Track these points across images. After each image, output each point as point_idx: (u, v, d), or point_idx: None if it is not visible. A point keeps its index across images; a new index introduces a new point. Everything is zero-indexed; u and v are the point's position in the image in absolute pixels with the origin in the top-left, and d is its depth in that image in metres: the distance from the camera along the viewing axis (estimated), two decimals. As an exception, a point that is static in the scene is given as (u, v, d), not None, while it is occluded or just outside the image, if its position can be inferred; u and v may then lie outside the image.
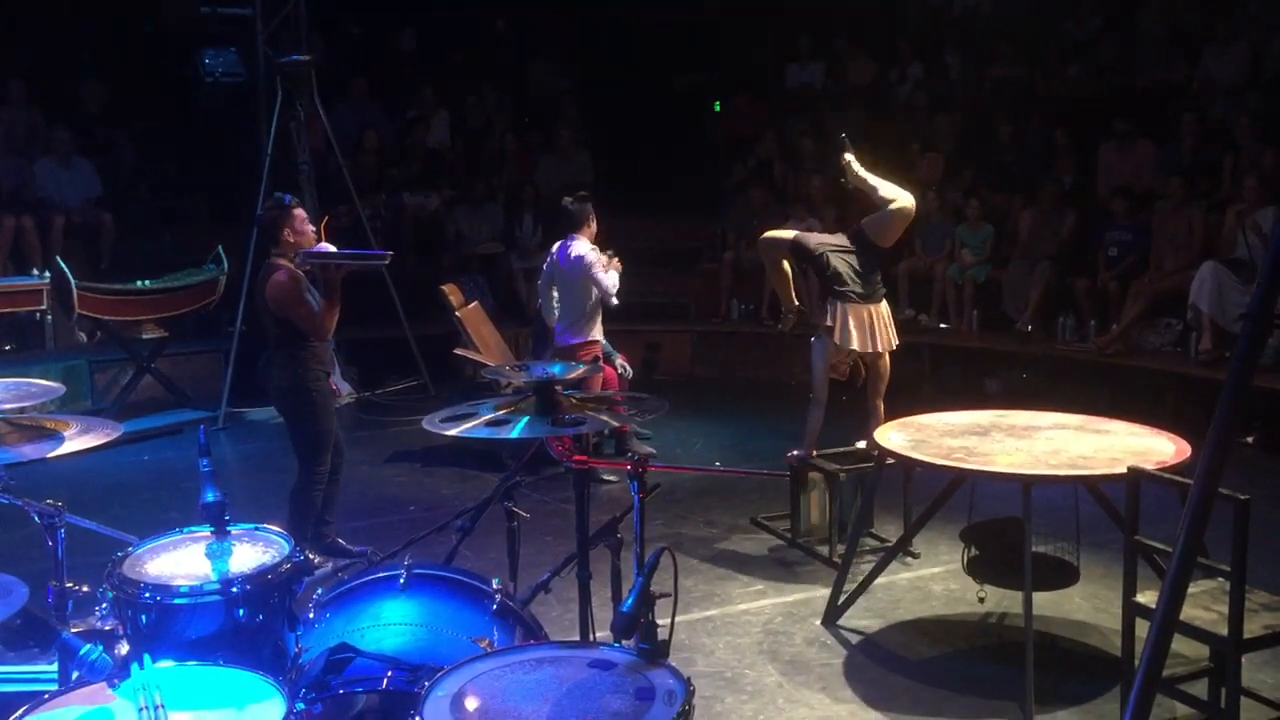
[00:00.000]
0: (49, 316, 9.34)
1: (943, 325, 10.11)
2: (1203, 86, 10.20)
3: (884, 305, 6.08)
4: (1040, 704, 4.20)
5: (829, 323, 5.98)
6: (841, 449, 6.18)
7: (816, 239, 6.16)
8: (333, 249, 5.60)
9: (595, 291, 7.06)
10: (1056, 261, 9.45)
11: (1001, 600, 5.06)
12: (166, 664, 2.54)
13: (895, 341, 6.10)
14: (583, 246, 7.11)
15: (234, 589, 2.92)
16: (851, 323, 5.94)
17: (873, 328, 5.98)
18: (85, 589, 3.16)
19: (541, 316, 7.54)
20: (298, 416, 5.66)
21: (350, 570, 5.23)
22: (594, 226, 7.22)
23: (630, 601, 2.56)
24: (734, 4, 13.00)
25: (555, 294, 7.26)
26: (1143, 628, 3.66)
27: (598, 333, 7.25)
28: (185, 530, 3.26)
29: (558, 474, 6.89)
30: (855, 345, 5.94)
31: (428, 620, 3.15)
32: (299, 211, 5.59)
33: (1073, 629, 4.96)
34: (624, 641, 2.60)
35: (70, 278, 8.41)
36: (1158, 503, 3.91)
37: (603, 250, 7.18)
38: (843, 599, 5.07)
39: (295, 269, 5.46)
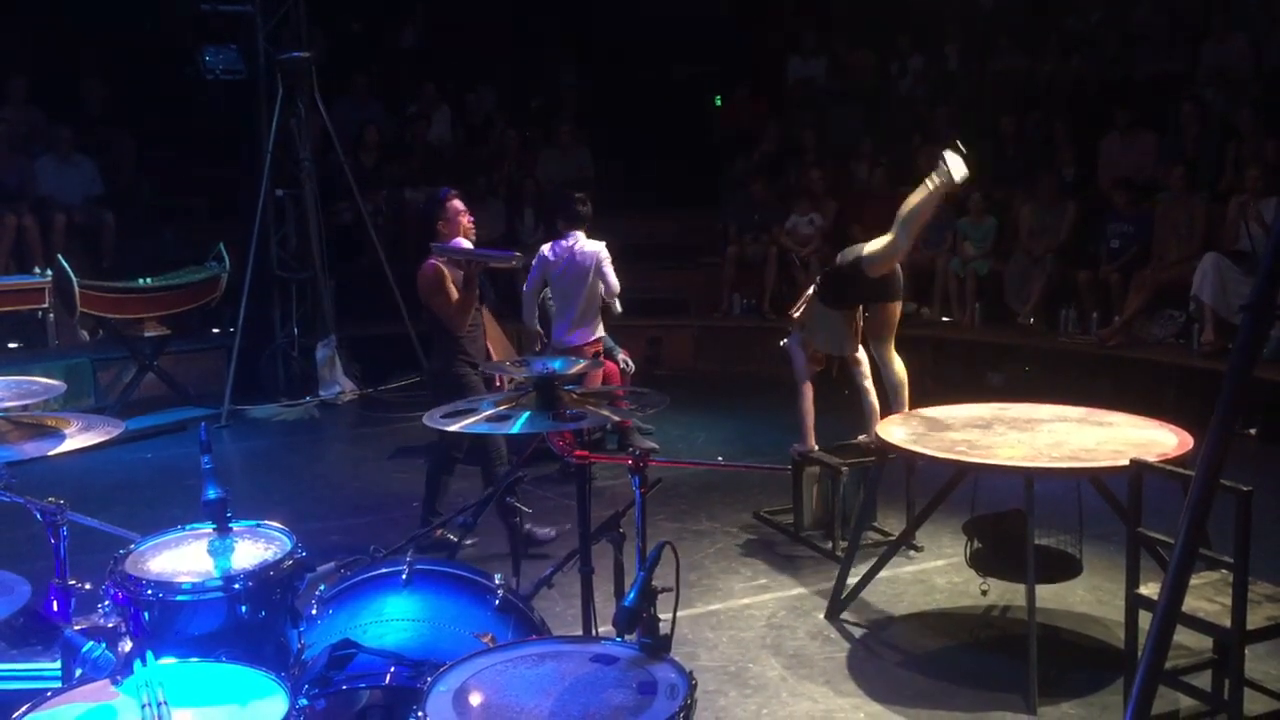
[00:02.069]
0: (51, 315, 9.34)
1: (945, 318, 10.11)
2: (1204, 77, 10.18)
3: (858, 310, 6.15)
4: (1043, 696, 4.20)
5: (795, 315, 6.17)
6: (843, 443, 6.19)
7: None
8: (468, 244, 5.70)
9: (600, 288, 7.07)
10: (1058, 254, 9.45)
11: (1004, 593, 5.06)
12: (169, 661, 2.54)
13: (859, 345, 6.21)
14: (595, 243, 7.08)
15: (236, 586, 2.92)
16: (824, 324, 6.11)
17: (842, 332, 6.10)
18: (88, 586, 3.16)
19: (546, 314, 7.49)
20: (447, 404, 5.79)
21: (353, 566, 5.23)
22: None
23: (632, 596, 2.56)
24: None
25: (549, 293, 7.23)
26: (1145, 619, 3.67)
27: (601, 329, 7.25)
28: (187, 527, 3.26)
29: (553, 471, 6.88)
30: (821, 346, 6.16)
31: (430, 616, 3.15)
32: (453, 203, 5.75)
33: (1076, 621, 4.96)
34: (626, 636, 2.60)
35: (72, 276, 8.42)
36: (1160, 494, 3.91)
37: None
38: (845, 593, 5.07)
39: (441, 261, 5.60)
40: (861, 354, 6.21)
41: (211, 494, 3.12)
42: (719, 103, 13.17)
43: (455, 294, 5.59)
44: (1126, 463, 3.99)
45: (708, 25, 13.07)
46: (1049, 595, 4.91)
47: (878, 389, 6.16)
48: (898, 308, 6.13)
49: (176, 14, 11.58)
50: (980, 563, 4.79)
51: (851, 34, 12.49)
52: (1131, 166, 9.73)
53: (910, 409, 5.83)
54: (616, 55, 13.11)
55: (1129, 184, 9.32)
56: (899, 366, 6.09)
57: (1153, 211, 9.13)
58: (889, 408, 5.98)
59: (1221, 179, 9.23)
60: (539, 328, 7.32)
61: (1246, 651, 3.59)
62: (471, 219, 5.81)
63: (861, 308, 6.12)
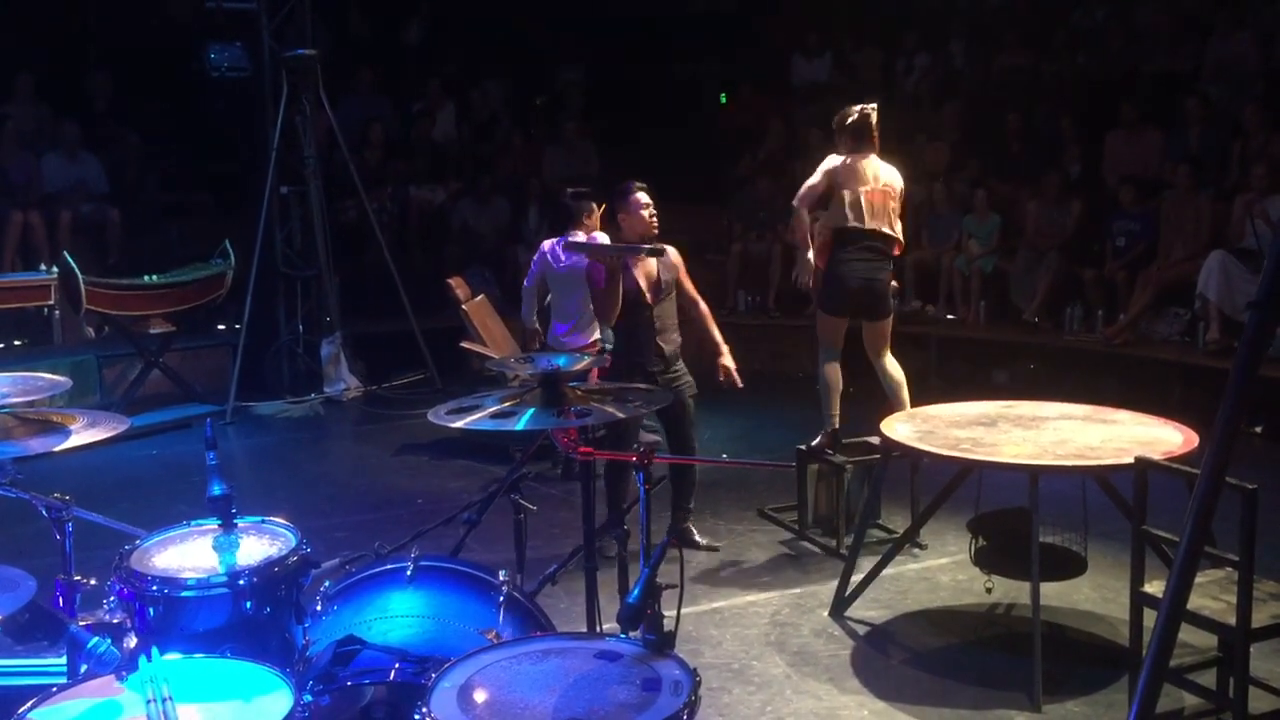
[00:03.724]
0: (57, 312, 9.35)
1: (950, 316, 10.10)
2: (1209, 74, 10.16)
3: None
4: (1048, 694, 4.20)
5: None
6: (850, 439, 6.18)
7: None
8: (604, 239, 5.73)
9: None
10: (1063, 251, 9.43)
11: (1009, 591, 5.06)
12: (174, 656, 2.54)
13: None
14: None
15: (241, 581, 2.92)
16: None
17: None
18: (93, 582, 3.16)
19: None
20: None
21: (357, 562, 5.24)
22: (594, 222, 6.88)
23: (636, 593, 2.56)
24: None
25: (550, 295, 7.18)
26: (1150, 617, 3.66)
27: (598, 331, 7.14)
28: (193, 523, 3.26)
29: (545, 471, 6.85)
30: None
31: (435, 612, 3.16)
32: (636, 195, 5.66)
33: (1080, 619, 4.96)
34: (630, 633, 2.60)
35: (78, 272, 8.43)
36: (1165, 492, 3.91)
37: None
38: (850, 590, 5.07)
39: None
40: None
41: (217, 490, 3.12)
42: (724, 100, 13.16)
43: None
44: (1131, 460, 3.98)
45: (713, 22, 13.06)
46: (1054, 593, 4.90)
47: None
48: (887, 324, 6.09)
49: (181, 12, 11.62)
50: (985, 560, 4.79)
51: (857, 31, 12.48)
52: (1137, 163, 9.72)
53: (914, 407, 5.82)
54: (621, 52, 13.11)
55: (1136, 181, 9.30)
56: (895, 371, 6.06)
57: (1158, 209, 9.12)
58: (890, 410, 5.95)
59: (1228, 176, 9.21)
60: (537, 325, 7.22)
61: (1251, 650, 3.59)
62: (652, 213, 5.68)
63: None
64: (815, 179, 6.00)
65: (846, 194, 5.90)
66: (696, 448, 5.85)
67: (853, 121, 5.96)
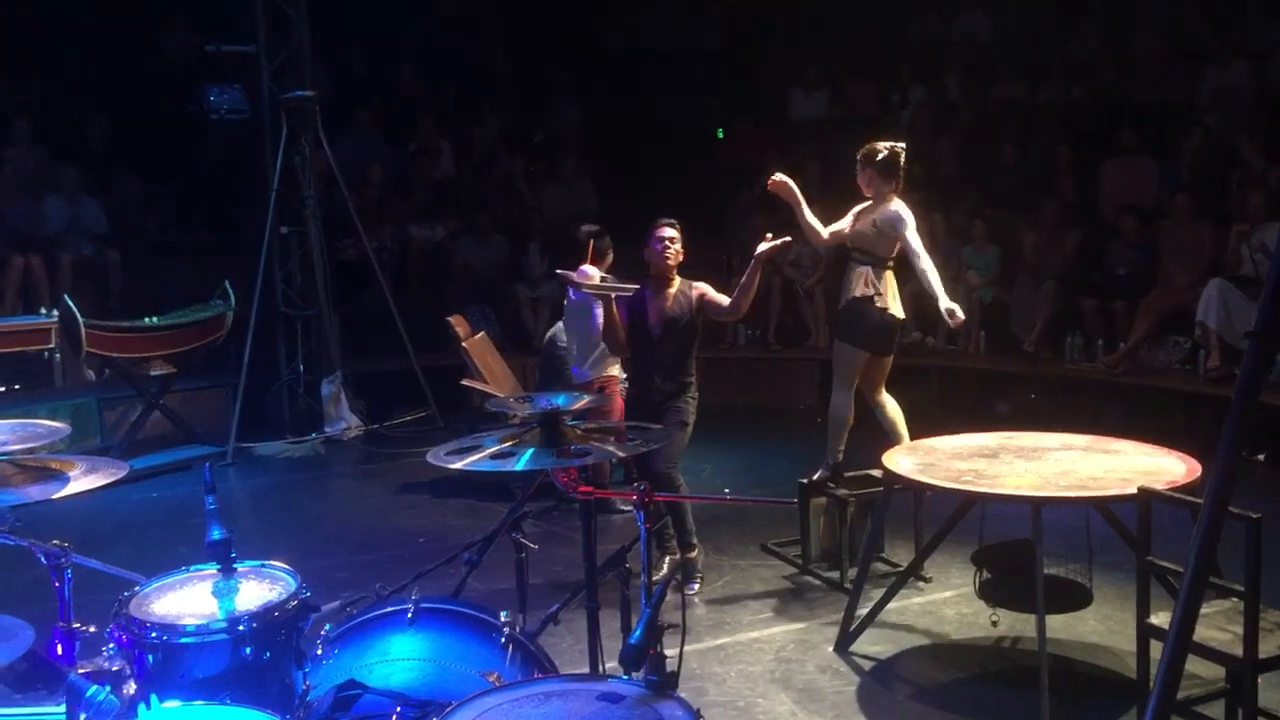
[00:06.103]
0: (57, 355, 9.35)
1: (950, 347, 10.09)
2: (1205, 102, 10.20)
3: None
4: (1056, 728, 4.17)
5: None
6: (852, 473, 6.16)
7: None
8: (595, 273, 5.83)
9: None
10: (1062, 281, 9.44)
11: (1014, 624, 5.03)
12: (173, 704, 2.52)
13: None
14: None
15: (241, 627, 2.90)
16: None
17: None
18: (92, 629, 3.14)
19: (548, 348, 7.50)
20: None
21: (358, 605, 5.21)
22: (609, 259, 6.91)
23: (638, 633, 2.54)
24: (735, 31, 13.09)
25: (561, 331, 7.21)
26: (1157, 649, 3.63)
27: (616, 368, 6.97)
28: (192, 568, 3.24)
29: (547, 507, 6.81)
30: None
31: (436, 655, 3.13)
32: (654, 230, 5.71)
33: (1087, 651, 4.93)
34: (633, 674, 2.58)
35: (78, 315, 8.43)
36: (1169, 522, 3.89)
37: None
38: (854, 625, 5.04)
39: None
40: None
41: (216, 535, 3.11)
42: (721, 134, 13.22)
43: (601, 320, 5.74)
44: (1134, 491, 3.97)
45: (710, 57, 13.13)
46: (1059, 625, 4.87)
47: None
48: (890, 361, 6.12)
49: (181, 54, 11.69)
50: (990, 593, 4.77)
51: (852, 65, 12.55)
52: (1133, 193, 9.74)
53: (915, 439, 5.80)
54: (619, 88, 13.17)
55: (1136, 210, 9.32)
56: (893, 407, 6.06)
57: (1157, 237, 9.13)
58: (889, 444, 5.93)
59: (1226, 204, 9.22)
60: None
61: (1259, 681, 3.56)
62: (669, 248, 5.65)
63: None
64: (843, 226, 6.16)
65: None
66: (673, 477, 5.56)
67: (882, 158, 6.05)
